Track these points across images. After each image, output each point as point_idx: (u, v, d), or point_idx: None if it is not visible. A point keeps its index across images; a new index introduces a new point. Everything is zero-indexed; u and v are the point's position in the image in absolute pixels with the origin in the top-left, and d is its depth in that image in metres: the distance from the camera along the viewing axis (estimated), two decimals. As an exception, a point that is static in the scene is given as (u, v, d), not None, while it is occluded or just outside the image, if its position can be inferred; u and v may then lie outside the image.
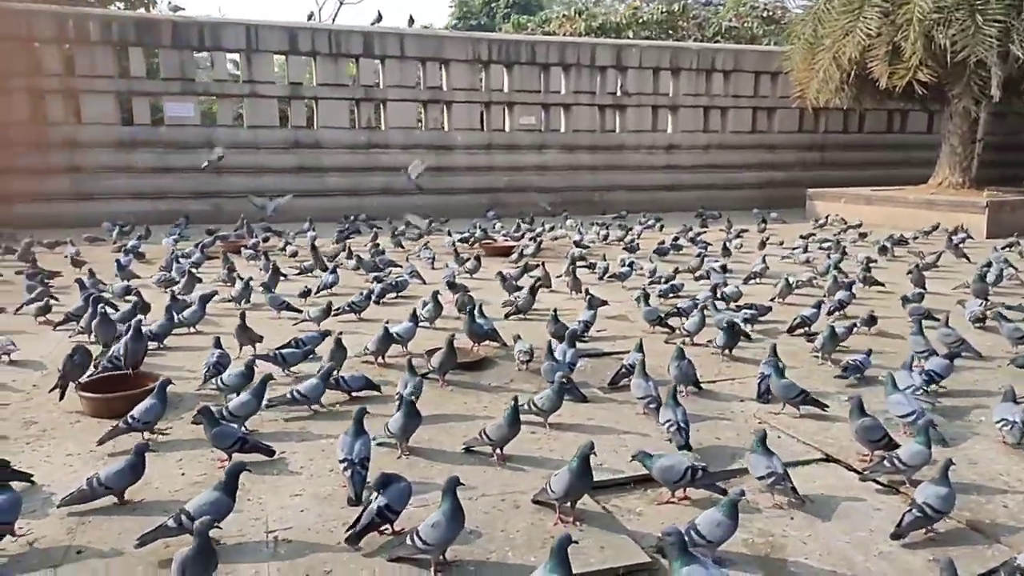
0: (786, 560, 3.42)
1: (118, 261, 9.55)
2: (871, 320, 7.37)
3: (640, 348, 5.90)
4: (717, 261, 11.11)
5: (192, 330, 7.14)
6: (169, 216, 15.82)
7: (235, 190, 17.62)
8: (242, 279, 8.86)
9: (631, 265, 10.56)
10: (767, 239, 14.58)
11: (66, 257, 10.86)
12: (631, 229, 15.20)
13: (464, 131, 19.79)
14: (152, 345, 6.59)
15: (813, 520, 3.79)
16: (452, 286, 8.45)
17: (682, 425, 4.53)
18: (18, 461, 4.23)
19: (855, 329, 7.06)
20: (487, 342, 6.65)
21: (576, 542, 2.88)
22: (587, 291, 8.23)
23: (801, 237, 14.42)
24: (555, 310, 6.93)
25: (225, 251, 12.43)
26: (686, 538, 3.05)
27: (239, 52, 17.69)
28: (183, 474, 4.13)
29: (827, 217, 18.00)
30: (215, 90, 17.75)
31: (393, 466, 4.26)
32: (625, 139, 21.36)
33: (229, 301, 8.43)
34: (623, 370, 5.72)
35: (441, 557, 3.22)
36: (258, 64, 17.72)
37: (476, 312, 6.75)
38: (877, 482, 4.16)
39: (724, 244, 12.68)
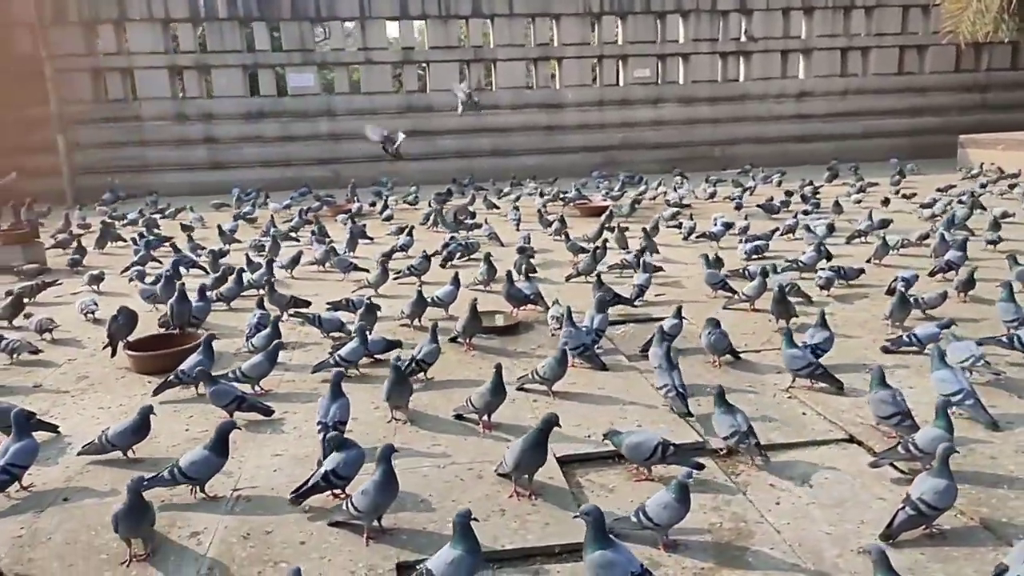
0: (747, 548, 3.11)
1: (219, 226, 10.22)
2: (968, 283, 6.48)
3: (678, 314, 5.56)
4: (824, 219, 10.21)
5: (260, 292, 7.50)
6: (293, 183, 16.75)
7: (353, 156, 18.34)
8: (323, 242, 9.23)
9: (726, 224, 9.93)
10: (898, 192, 13.26)
11: (180, 223, 11.76)
12: (743, 185, 14.27)
13: (575, 87, 19.35)
14: (221, 306, 7.07)
15: (802, 506, 3.42)
16: (522, 250, 8.32)
17: (680, 391, 4.25)
18: (58, 411, 4.69)
19: (947, 295, 6.24)
20: (529, 306, 6.51)
21: (475, 519, 2.75)
22: (639, 253, 7.87)
23: (938, 190, 12.95)
24: (599, 274, 6.66)
25: (332, 215, 13.07)
26: (608, 519, 2.84)
27: (354, 20, 18.20)
28: (187, 430, 4.39)
29: (980, 166, 16.02)
30: (332, 59, 18.42)
31: (382, 430, 4.30)
32: (750, 88, 20.02)
33: (313, 264, 8.79)
34: (655, 337, 5.41)
35: (376, 524, 3.21)
36: (372, 31, 18.17)
37: (521, 274, 6.62)
38: (896, 468, 3.67)
39: (836, 200, 11.63)
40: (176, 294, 5.72)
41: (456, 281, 6.60)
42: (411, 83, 19.01)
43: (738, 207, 12.03)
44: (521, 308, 6.47)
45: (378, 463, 3.23)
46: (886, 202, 11.81)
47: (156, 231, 10.97)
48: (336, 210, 13.46)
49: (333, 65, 18.53)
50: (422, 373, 5.00)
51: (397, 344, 5.43)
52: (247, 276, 7.43)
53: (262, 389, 4.88)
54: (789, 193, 13.47)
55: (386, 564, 3.03)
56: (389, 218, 12.35)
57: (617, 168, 18.07)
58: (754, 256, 8.42)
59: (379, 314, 6.08)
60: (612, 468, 3.87)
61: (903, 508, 3.09)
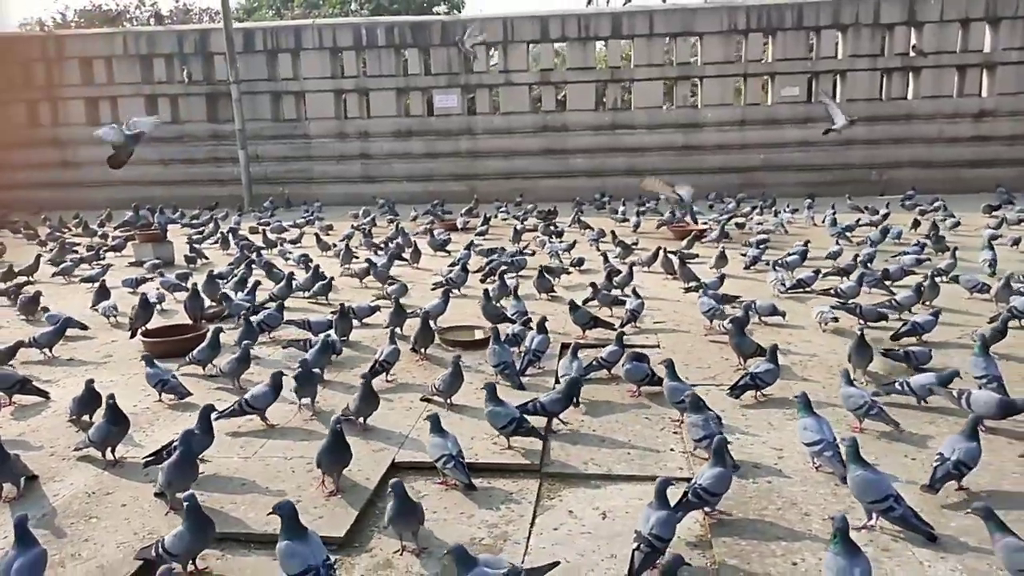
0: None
1: (316, 235, 11.43)
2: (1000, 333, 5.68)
3: (619, 341, 5.54)
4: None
5: (306, 294, 8.38)
6: (434, 196, 17.91)
7: (488, 173, 19.32)
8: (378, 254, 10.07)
9: (803, 254, 9.38)
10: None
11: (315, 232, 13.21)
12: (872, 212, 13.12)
13: (715, 107, 18.79)
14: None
15: (575, 534, 3.43)
16: (548, 270, 8.51)
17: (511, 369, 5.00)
18: (73, 381, 5.73)
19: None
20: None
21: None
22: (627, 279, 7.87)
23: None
24: (572, 300, 6.72)
25: (445, 228, 13.97)
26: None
27: (497, 44, 19.14)
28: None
29: None
30: (475, 81, 19.48)
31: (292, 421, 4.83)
32: (916, 107, 18.19)
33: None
34: (594, 363, 5.46)
35: (176, 495, 3.66)
36: (512, 54, 19.00)
37: (502, 294, 6.88)
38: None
39: (935, 229, 10.45)
40: (191, 291, 6.70)
41: (446, 295, 7.00)
42: (548, 103, 19.56)
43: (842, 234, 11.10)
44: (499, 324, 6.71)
45: (179, 445, 3.73)
46: (1017, 242, 10.34)
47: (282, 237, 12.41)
48: (446, 224, 14.33)
49: (476, 87, 19.58)
50: (384, 374, 5.46)
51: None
52: (296, 282, 8.32)
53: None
54: (917, 223, 12.26)
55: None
56: (483, 233, 12.96)
57: (759, 190, 17.26)
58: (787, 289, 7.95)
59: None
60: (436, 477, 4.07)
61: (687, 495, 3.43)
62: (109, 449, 4.19)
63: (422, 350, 6.05)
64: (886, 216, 12.77)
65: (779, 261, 8.94)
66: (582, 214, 13.82)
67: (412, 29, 19.17)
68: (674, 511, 3.22)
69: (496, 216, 14.64)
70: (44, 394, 5.28)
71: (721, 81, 18.72)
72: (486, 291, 6.90)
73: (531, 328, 6.01)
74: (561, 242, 11.05)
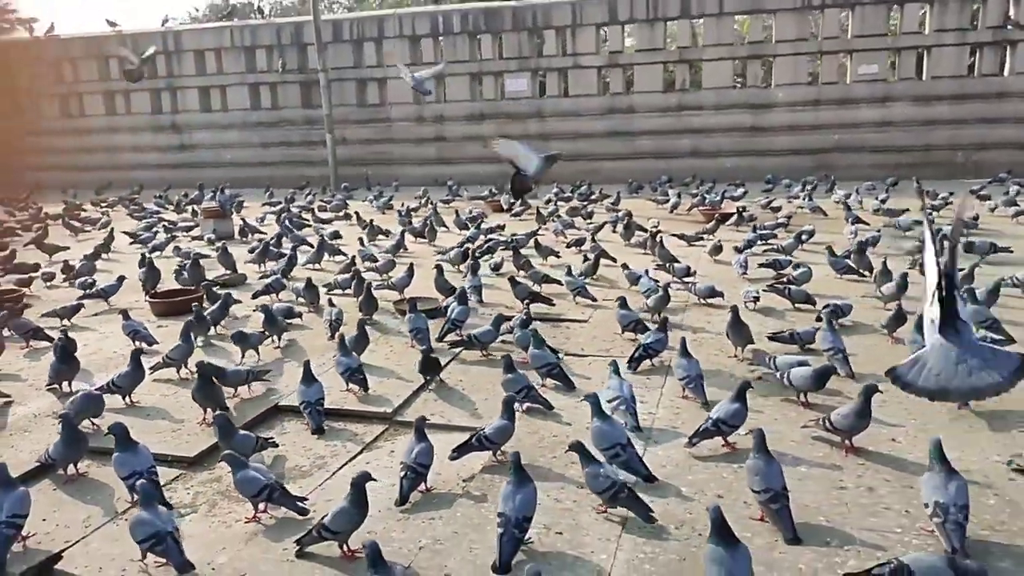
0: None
1: (356, 213, 12.54)
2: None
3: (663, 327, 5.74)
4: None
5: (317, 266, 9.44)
6: (505, 178, 18.68)
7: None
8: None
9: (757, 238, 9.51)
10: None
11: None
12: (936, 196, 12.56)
13: (787, 87, 18.29)
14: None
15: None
16: (537, 246, 9.08)
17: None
18: (94, 324, 7.00)
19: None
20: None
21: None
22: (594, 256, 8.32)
23: None
24: (511, 277, 7.27)
25: (493, 209, 14.75)
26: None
27: (566, 28, 19.47)
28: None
29: None
30: (545, 65, 19.94)
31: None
32: (1011, 83, 16.90)
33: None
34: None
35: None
36: (580, 37, 19.30)
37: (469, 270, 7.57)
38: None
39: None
40: (190, 261, 7.91)
41: (410, 270, 7.78)
42: (616, 86, 19.72)
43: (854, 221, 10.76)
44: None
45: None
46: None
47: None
48: (493, 205, 15.06)
49: (546, 70, 20.04)
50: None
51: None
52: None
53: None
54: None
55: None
56: (519, 214, 13.61)
57: (832, 172, 16.73)
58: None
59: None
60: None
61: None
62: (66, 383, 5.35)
63: (368, 317, 6.87)
64: (946, 202, 12.13)
65: (740, 245, 9.09)
66: (628, 194, 14.20)
67: (485, 15, 19.88)
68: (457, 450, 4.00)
69: (547, 198, 15.24)
70: (50, 339, 6.47)
71: (794, 60, 18.17)
72: (438, 266, 7.63)
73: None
74: (574, 226, 11.52)
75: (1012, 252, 8.62)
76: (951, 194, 12.72)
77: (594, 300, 7.39)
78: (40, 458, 4.16)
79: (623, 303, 6.33)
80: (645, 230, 11.05)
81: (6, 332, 6.37)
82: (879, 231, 10.13)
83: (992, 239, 8.93)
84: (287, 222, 11.82)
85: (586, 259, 8.60)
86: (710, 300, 7.20)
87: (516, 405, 4.50)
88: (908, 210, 11.58)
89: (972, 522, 3.21)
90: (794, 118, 18.28)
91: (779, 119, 18.37)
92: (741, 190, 14.69)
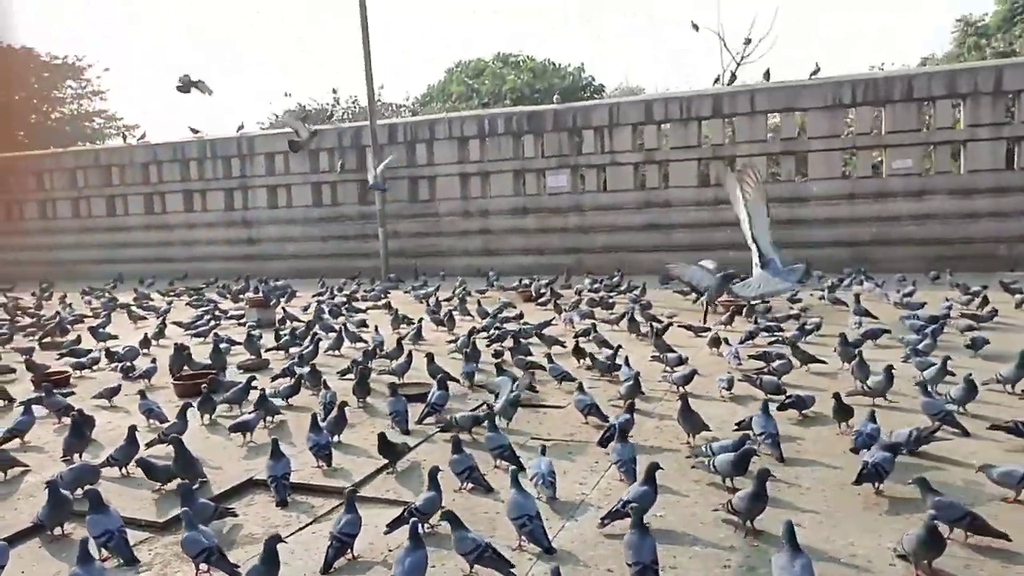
0: None
1: (389, 303, 13.34)
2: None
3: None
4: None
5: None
6: (548, 269, 19.42)
7: (595, 246, 20.50)
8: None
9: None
10: None
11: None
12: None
13: (821, 181, 18.55)
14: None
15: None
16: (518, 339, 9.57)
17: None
18: (126, 403, 7.81)
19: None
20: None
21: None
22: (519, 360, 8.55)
23: None
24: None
25: (524, 299, 15.39)
26: None
27: (604, 128, 20.45)
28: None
29: None
30: (584, 162, 20.87)
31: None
32: (1052, 176, 16.72)
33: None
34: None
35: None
36: (617, 136, 20.22)
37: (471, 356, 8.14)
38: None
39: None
40: (213, 348, 8.71)
41: (408, 356, 8.37)
42: (652, 181, 20.38)
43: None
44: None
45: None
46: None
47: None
48: (524, 294, 15.70)
49: (584, 167, 20.95)
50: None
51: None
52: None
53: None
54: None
55: None
56: (545, 303, 14.15)
57: (873, 265, 16.77)
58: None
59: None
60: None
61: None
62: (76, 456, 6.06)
63: (361, 400, 7.44)
64: (980, 296, 12.02)
65: (742, 337, 9.31)
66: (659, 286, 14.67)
67: (528, 118, 21.12)
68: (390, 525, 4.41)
69: (578, 287, 15.83)
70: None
71: (827, 155, 18.49)
72: (429, 354, 8.18)
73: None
74: (593, 315, 11.97)
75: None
76: (985, 287, 12.63)
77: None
78: (33, 519, 4.80)
79: (580, 388, 6.72)
80: (660, 321, 11.41)
81: (43, 409, 7.22)
82: (885, 325, 10.16)
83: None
84: (321, 311, 12.70)
85: (577, 347, 8.97)
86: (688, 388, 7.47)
87: (462, 482, 4.98)
88: (925, 303, 11.57)
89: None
90: (830, 211, 18.44)
91: (815, 212, 18.55)
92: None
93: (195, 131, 25.12)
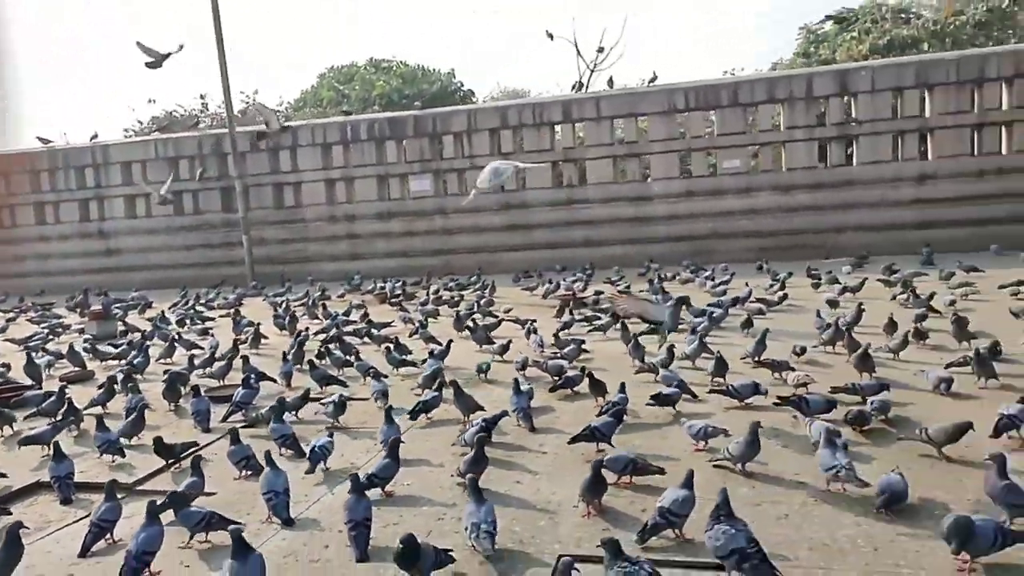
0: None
1: (235, 311, 13.52)
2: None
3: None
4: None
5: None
6: (414, 271, 19.84)
7: (460, 247, 21.17)
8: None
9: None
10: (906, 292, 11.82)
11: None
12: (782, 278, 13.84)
13: (662, 180, 19.95)
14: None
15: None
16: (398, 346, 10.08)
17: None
18: None
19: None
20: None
21: None
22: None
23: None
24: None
25: (379, 302, 15.80)
26: None
27: (463, 133, 21.16)
28: None
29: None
30: (445, 166, 21.51)
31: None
32: (857, 173, 18.68)
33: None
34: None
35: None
36: (476, 140, 20.97)
37: (333, 362, 8.49)
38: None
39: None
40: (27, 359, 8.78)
41: (224, 358, 8.72)
42: (510, 183, 21.24)
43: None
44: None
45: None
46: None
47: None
48: (379, 296, 16.14)
49: (446, 171, 21.60)
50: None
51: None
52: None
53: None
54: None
55: None
56: (425, 302, 14.56)
57: (708, 258, 18.16)
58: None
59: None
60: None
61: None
62: None
63: (173, 402, 7.74)
64: (780, 282, 13.41)
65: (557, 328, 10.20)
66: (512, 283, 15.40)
67: (390, 123, 21.57)
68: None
69: (434, 288, 16.42)
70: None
71: (666, 156, 19.90)
72: (244, 356, 8.58)
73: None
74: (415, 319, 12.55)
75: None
76: (790, 274, 14.13)
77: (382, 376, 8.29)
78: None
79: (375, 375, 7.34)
80: (495, 316, 12.16)
81: None
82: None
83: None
84: (163, 320, 12.74)
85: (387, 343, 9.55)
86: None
87: (240, 471, 5.46)
88: (726, 289, 12.86)
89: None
90: (671, 208, 19.85)
91: (657, 210, 19.92)
92: (619, 276, 16.05)
93: (45, 141, 24.09)
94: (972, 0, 25.00)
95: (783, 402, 6.23)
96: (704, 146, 19.79)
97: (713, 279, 14.58)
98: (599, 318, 11.32)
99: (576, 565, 3.50)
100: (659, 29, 66.33)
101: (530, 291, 15.59)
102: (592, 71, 24.80)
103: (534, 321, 11.14)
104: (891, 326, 8.72)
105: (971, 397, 6.46)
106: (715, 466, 5.22)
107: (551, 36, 24.01)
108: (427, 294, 15.37)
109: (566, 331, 10.56)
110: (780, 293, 12.28)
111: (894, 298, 11.76)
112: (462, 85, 32.73)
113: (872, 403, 6.05)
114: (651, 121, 19.97)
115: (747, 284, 13.24)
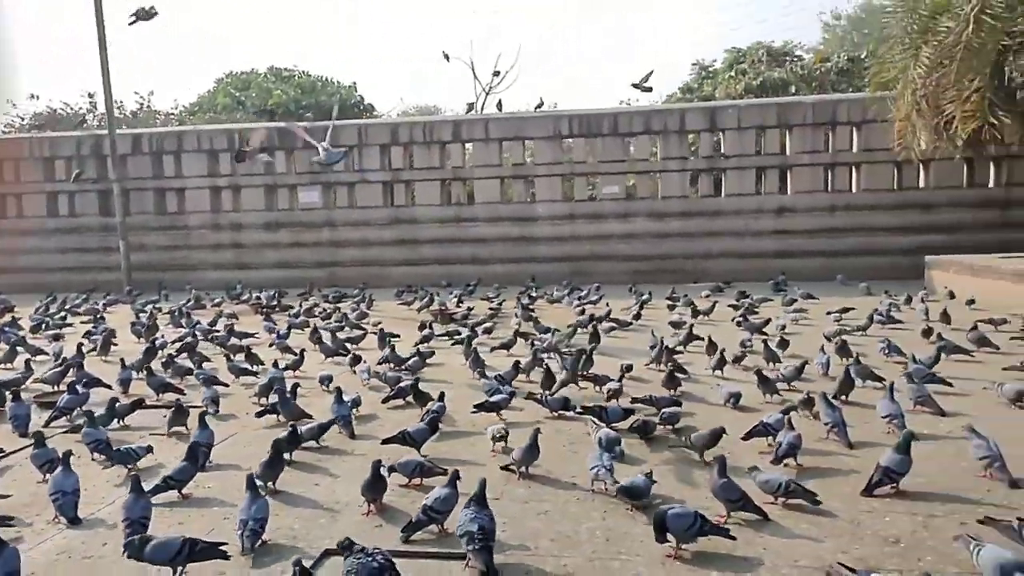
0: None
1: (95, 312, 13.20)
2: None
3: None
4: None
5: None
6: (300, 282, 19.63)
7: (347, 260, 21.22)
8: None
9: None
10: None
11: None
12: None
13: (547, 203, 20.68)
14: None
15: None
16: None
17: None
18: None
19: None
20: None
21: None
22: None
23: (828, 313, 12.49)
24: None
25: (253, 312, 15.68)
26: None
27: (353, 147, 21.29)
28: None
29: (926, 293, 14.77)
30: (334, 179, 21.58)
31: None
32: (724, 204, 19.95)
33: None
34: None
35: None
36: (367, 155, 21.16)
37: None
38: None
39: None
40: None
41: (61, 364, 8.61)
42: (400, 199, 21.52)
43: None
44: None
45: None
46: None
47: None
48: (256, 307, 16.04)
49: (336, 184, 21.67)
50: None
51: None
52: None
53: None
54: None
55: None
56: (296, 314, 14.53)
57: (587, 279, 18.82)
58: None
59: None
60: None
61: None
62: None
63: (-4, 409, 7.60)
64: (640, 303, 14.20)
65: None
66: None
67: (279, 134, 21.45)
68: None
69: (313, 300, 16.46)
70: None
71: (550, 180, 20.67)
72: (78, 363, 8.51)
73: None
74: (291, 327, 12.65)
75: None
76: (650, 295, 14.99)
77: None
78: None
79: (206, 383, 7.48)
80: (363, 329, 12.38)
81: None
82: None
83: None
84: (6, 326, 12.33)
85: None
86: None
87: (43, 473, 5.49)
88: (585, 309, 13.56)
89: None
90: (555, 230, 20.58)
91: (542, 231, 20.62)
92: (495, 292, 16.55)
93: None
94: (837, 49, 27.20)
95: (585, 411, 6.77)
96: (586, 171, 20.67)
97: (572, 298, 15.32)
98: (459, 332, 11.75)
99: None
100: (580, 51, 68.38)
101: (407, 305, 15.89)
102: (488, 92, 25.44)
103: (396, 336, 11.47)
104: (711, 347, 9.48)
105: (754, 410, 7.18)
106: (503, 468, 5.65)
107: (447, 57, 24.55)
108: (299, 306, 15.38)
109: (425, 344, 10.93)
110: (634, 314, 13.05)
111: (736, 321, 12.70)
112: (363, 99, 32.79)
113: (663, 414, 6.67)
114: (537, 145, 20.71)
115: (607, 304, 13.98)
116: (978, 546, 3.81)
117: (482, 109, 25.52)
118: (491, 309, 14.64)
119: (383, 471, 4.93)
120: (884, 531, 4.48)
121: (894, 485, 5.02)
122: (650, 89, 19.17)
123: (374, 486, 4.86)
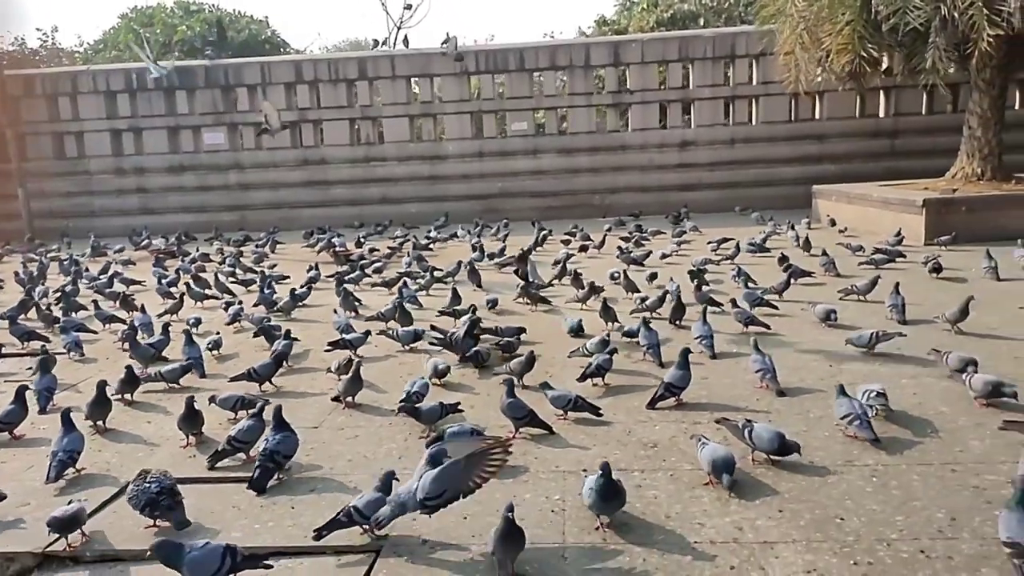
0: None
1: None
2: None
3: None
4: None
5: None
6: (208, 226, 19.41)
7: (257, 203, 21.00)
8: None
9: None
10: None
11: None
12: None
13: (456, 141, 20.70)
14: None
15: None
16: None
17: None
18: None
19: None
20: None
21: None
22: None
23: (709, 243, 13.07)
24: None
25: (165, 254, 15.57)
26: None
27: (256, 86, 20.82)
28: None
29: (796, 222, 15.48)
30: (240, 120, 21.13)
31: None
32: (629, 139, 20.31)
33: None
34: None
35: None
36: (271, 94, 20.70)
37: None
38: None
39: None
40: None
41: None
42: (308, 139, 21.25)
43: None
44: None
45: None
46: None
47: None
48: (166, 250, 15.92)
49: (241, 125, 21.23)
50: None
51: None
52: None
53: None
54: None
55: None
56: (194, 260, 14.44)
57: (499, 215, 19.05)
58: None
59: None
60: None
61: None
62: None
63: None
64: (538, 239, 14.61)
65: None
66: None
67: (179, 73, 20.80)
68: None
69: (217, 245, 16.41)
70: None
71: (459, 117, 20.64)
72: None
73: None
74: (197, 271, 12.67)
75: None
76: (550, 231, 15.38)
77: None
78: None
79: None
80: (256, 271, 12.50)
81: None
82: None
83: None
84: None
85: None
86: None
87: None
88: (481, 244, 13.90)
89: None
90: (464, 168, 20.69)
91: (451, 169, 20.70)
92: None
93: None
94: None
95: (437, 341, 7.21)
96: (494, 108, 20.69)
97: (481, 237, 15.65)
98: (350, 273, 11.96)
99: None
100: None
101: (311, 247, 15.96)
102: (399, 27, 24.96)
103: (285, 277, 11.66)
104: (576, 280, 9.93)
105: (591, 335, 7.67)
106: (333, 400, 6.03)
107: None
108: (196, 251, 15.31)
109: (311, 285, 11.13)
110: (529, 248, 13.43)
111: (617, 255, 13.16)
112: (275, 34, 31.65)
113: (500, 342, 7.12)
114: (444, 82, 20.58)
115: (503, 241, 14.33)
116: (703, 444, 4.35)
117: (394, 45, 25.04)
118: (390, 248, 14.86)
119: (196, 406, 5.23)
120: (647, 438, 5.02)
121: (677, 398, 5.57)
122: (461, 58, 19.03)
123: (189, 420, 5.17)
